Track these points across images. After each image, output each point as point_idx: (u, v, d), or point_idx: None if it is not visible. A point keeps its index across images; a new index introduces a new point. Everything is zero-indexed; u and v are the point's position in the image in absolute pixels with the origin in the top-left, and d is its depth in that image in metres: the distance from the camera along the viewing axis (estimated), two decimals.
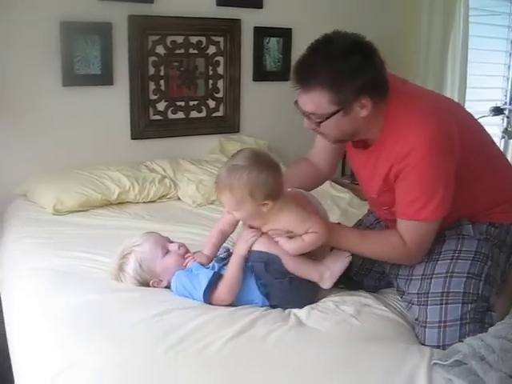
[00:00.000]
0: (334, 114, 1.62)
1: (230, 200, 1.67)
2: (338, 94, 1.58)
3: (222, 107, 3.41)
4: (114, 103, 3.07)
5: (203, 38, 3.25)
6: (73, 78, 2.90)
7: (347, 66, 1.57)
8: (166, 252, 1.88)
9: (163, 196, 2.89)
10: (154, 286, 1.85)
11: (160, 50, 3.14)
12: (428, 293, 1.70)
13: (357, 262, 1.93)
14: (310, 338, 1.57)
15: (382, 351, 1.52)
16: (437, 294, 1.68)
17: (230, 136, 3.43)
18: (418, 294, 1.73)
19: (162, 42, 3.13)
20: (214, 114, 3.39)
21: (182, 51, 3.20)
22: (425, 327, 1.66)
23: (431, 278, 1.72)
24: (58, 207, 2.60)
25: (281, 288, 1.75)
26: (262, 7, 3.39)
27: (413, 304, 1.75)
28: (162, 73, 3.17)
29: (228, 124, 3.44)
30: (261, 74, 3.50)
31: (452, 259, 1.72)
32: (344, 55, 1.57)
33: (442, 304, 1.66)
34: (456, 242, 1.76)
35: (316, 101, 1.61)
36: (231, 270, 1.73)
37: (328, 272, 1.75)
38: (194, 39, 3.22)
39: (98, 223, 2.52)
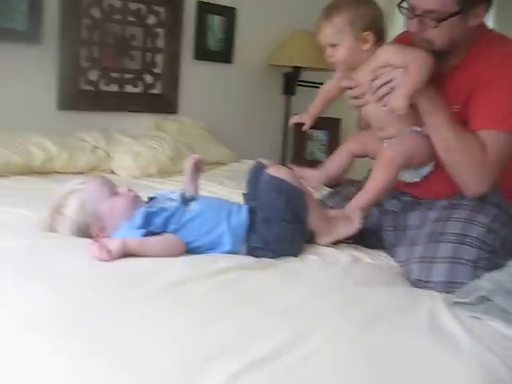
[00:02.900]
0: (455, 14, 1.52)
1: (329, 31, 1.59)
2: None
3: (159, 84, 3.11)
4: (39, 65, 2.70)
5: (143, 6, 2.97)
6: None
7: None
8: (115, 194, 1.57)
9: (94, 168, 2.54)
10: (97, 235, 1.52)
11: (95, 12, 2.82)
12: (443, 232, 1.56)
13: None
14: (303, 281, 1.31)
15: (389, 293, 1.30)
16: (453, 234, 1.54)
17: (167, 117, 3.13)
18: (430, 233, 1.58)
19: (98, 4, 2.81)
20: (150, 91, 3.08)
21: (119, 17, 2.90)
22: (432, 262, 1.50)
23: (447, 220, 1.60)
24: None
25: (280, 234, 1.50)
26: None
27: (416, 245, 1.58)
28: (96, 38, 2.85)
29: (165, 103, 3.14)
30: (203, 52, 3.25)
31: (473, 210, 1.61)
32: None
33: (457, 243, 1.51)
34: (478, 198, 1.64)
35: None
36: None
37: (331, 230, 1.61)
38: (132, 6, 2.93)
39: (20, 186, 2.14)
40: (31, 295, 1.09)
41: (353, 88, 1.67)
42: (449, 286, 1.45)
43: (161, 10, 3.03)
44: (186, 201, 1.57)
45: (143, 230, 1.44)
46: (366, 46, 1.60)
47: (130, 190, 1.61)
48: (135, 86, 3.03)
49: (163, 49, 3.08)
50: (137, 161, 2.53)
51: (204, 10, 3.20)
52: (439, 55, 1.62)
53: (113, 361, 0.87)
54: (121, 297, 1.10)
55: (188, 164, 1.81)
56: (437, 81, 1.62)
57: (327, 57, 1.65)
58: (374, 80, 1.59)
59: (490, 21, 3.97)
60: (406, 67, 1.53)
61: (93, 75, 2.88)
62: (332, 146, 3.66)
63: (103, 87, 2.92)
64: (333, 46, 1.61)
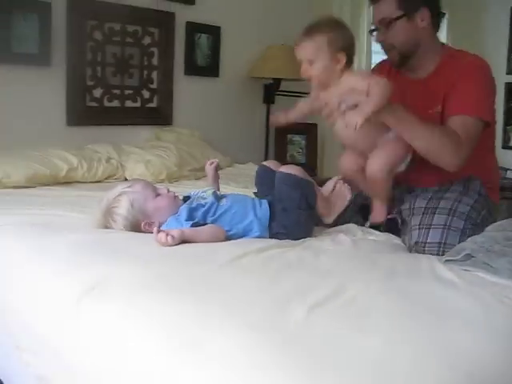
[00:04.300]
0: (400, 17, 1.97)
1: (308, 47, 1.76)
2: (405, 1, 1.96)
3: (155, 98, 3.42)
4: (49, 85, 2.98)
5: (139, 28, 3.28)
6: (9, 56, 2.79)
7: None
8: (158, 194, 1.88)
9: (110, 176, 2.82)
10: (146, 229, 1.82)
11: (97, 35, 3.11)
12: (437, 207, 1.90)
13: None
14: (326, 253, 1.64)
15: (395, 257, 1.66)
16: (444, 209, 1.89)
17: (163, 128, 3.44)
18: (425, 207, 1.92)
19: (100, 27, 3.11)
20: (148, 105, 3.39)
21: (118, 39, 3.20)
22: (429, 229, 1.83)
23: (440, 199, 1.94)
24: (4, 181, 2.45)
25: (297, 219, 1.81)
26: (194, 3, 3.49)
27: (416, 215, 1.91)
28: (98, 59, 3.14)
29: (161, 115, 3.45)
30: (192, 68, 3.57)
31: (460, 194, 1.96)
32: None
33: (448, 215, 1.86)
34: (462, 186, 2.00)
35: (386, 7, 1.99)
36: None
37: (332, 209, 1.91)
38: (130, 28, 3.24)
39: (54, 194, 2.42)
40: (134, 271, 1.41)
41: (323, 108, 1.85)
42: (441, 247, 1.79)
43: (155, 31, 3.35)
44: (218, 198, 1.89)
45: (191, 222, 1.75)
46: (339, 66, 1.75)
47: (169, 191, 1.92)
48: (134, 101, 3.33)
49: (158, 66, 3.40)
50: (148, 168, 2.83)
51: (192, 30, 3.53)
52: (407, 61, 2.04)
53: (223, 307, 1.19)
54: (201, 269, 1.42)
55: (210, 168, 2.13)
56: (415, 87, 2.02)
57: (302, 72, 1.80)
58: (340, 103, 1.74)
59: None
60: (367, 91, 1.69)
61: (97, 93, 3.17)
62: (309, 149, 4.04)
63: (106, 103, 3.21)
64: (309, 61, 1.76)
